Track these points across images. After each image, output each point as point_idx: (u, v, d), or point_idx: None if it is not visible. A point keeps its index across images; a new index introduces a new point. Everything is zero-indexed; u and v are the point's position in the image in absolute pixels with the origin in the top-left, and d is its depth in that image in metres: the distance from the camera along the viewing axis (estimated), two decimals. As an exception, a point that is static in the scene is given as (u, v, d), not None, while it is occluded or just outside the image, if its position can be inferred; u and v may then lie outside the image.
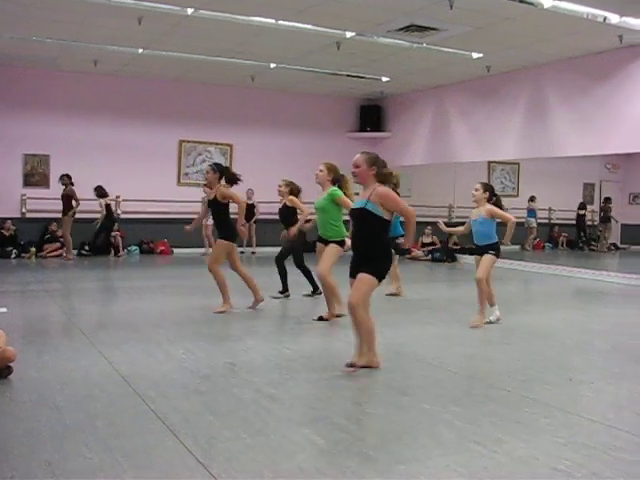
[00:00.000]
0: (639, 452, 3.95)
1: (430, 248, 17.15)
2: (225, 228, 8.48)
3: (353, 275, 5.66)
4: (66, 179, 14.82)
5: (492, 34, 11.90)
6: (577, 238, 20.76)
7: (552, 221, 20.46)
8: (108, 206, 15.65)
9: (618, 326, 8.28)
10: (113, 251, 15.99)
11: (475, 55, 13.49)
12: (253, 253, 16.89)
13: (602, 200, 20.99)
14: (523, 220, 18.59)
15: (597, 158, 18.36)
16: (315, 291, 9.72)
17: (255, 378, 5.35)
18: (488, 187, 8.14)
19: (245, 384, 5.18)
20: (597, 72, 13.11)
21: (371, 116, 18.90)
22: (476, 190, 7.96)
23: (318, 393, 5.02)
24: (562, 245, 20.97)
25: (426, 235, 17.37)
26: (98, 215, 15.73)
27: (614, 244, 21.20)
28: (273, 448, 3.87)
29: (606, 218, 20.57)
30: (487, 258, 7.86)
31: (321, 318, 7.91)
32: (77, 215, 15.05)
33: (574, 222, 20.68)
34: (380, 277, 5.58)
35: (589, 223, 21.12)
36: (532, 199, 19.49)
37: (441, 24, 11.40)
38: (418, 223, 18.57)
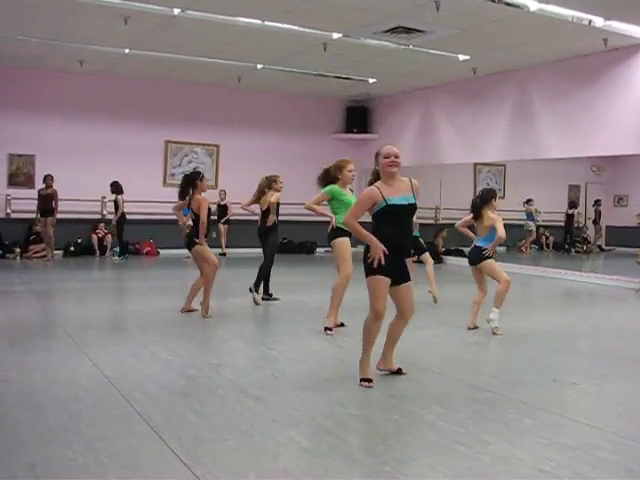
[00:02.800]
0: (623, 453, 3.97)
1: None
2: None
3: (399, 282, 5.38)
4: (50, 180, 14.72)
5: (478, 36, 11.94)
6: (564, 239, 20.83)
7: (537, 223, 20.53)
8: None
9: (603, 328, 8.33)
10: (99, 251, 15.95)
11: (461, 57, 13.53)
12: (223, 254, 16.75)
13: (593, 202, 21.09)
14: (510, 222, 18.64)
15: (582, 160, 18.45)
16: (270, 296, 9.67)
17: (240, 379, 5.34)
18: None
19: (230, 385, 5.17)
20: (582, 75, 13.18)
21: (357, 117, 18.93)
22: None
23: (303, 394, 5.02)
24: (547, 247, 21.06)
25: (411, 236, 17.36)
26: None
27: (600, 246, 21.33)
28: (258, 449, 3.87)
29: (595, 220, 20.73)
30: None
31: (342, 324, 7.58)
32: (62, 215, 14.96)
33: (560, 224, 20.75)
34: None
35: (575, 225, 21.21)
36: (528, 202, 19.49)
37: (428, 26, 11.43)
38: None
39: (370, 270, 5.21)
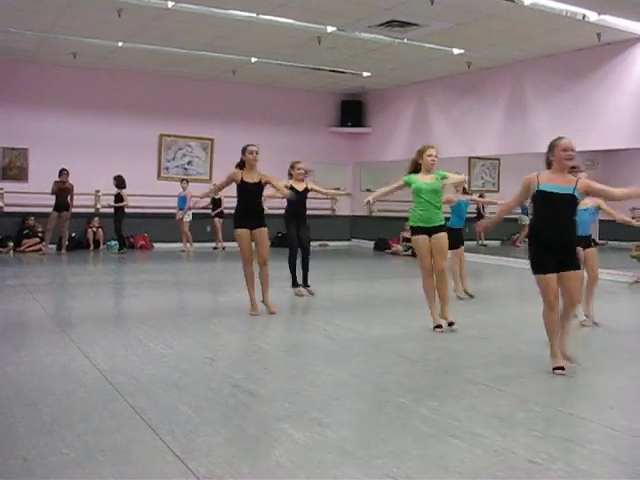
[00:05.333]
0: (614, 445, 3.99)
1: (410, 244, 17.15)
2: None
3: (557, 269, 5.36)
4: (65, 175, 14.69)
5: (473, 30, 11.93)
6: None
7: (530, 217, 20.54)
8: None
9: (596, 321, 8.35)
10: (93, 245, 15.93)
11: (456, 51, 13.53)
12: (216, 249, 16.75)
13: None
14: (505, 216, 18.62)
15: (577, 154, 18.42)
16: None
17: (234, 373, 5.35)
18: None
19: (224, 379, 5.18)
20: (576, 69, 13.19)
21: (352, 111, 18.92)
22: None
23: (296, 388, 5.03)
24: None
25: (406, 231, 17.36)
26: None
27: (593, 240, 21.32)
28: (251, 443, 3.87)
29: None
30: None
31: (452, 323, 7.26)
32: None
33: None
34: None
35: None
36: None
37: (422, 20, 11.41)
38: (399, 219, 18.52)
39: (533, 269, 5.43)
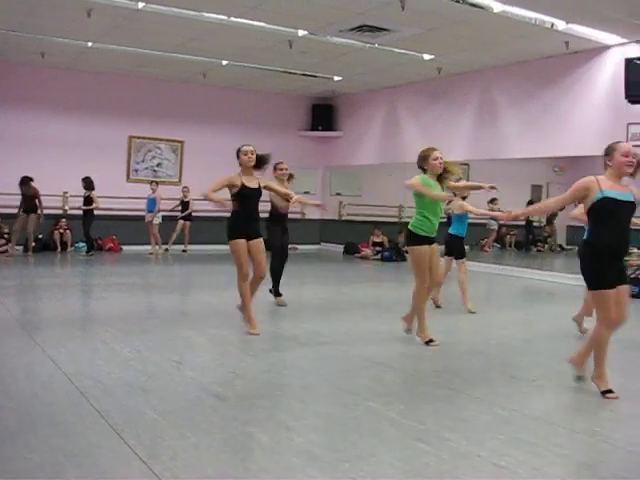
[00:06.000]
0: (578, 448, 4.04)
1: (380, 248, 17.22)
2: None
3: (616, 284, 4.99)
4: (29, 181, 14.52)
5: (443, 36, 12.02)
6: (526, 238, 21.08)
7: (500, 222, 20.71)
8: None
9: (562, 325, 8.43)
10: (60, 247, 15.76)
11: (426, 56, 13.61)
12: (184, 251, 16.68)
13: None
14: (474, 221, 18.77)
15: (545, 160, 18.68)
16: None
17: (201, 377, 5.32)
18: None
19: (191, 382, 5.15)
20: (545, 77, 13.34)
21: (323, 115, 18.94)
22: None
23: (264, 392, 5.01)
24: (510, 245, 21.28)
25: (376, 235, 17.45)
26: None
27: (560, 245, 21.62)
28: (218, 447, 3.86)
29: (550, 220, 21.03)
30: None
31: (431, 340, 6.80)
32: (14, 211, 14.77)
33: (522, 223, 20.99)
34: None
35: (536, 224, 21.47)
36: (492, 201, 19.66)
37: (393, 25, 11.47)
38: (368, 222, 18.58)
39: (594, 283, 5.01)
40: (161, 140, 17.47)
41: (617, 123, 11.99)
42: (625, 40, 11.90)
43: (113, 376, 5.25)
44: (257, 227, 7.21)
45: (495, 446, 3.97)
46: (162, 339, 6.75)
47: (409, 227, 6.90)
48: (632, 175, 5.02)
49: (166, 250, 16.35)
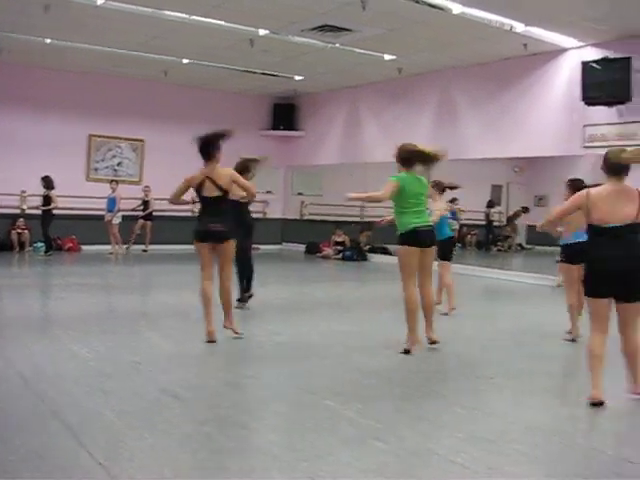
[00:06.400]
0: (534, 444, 4.09)
1: (341, 248, 17.26)
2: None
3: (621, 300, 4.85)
4: None
5: (403, 37, 12.10)
6: (486, 238, 21.31)
7: (461, 221, 20.93)
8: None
9: (521, 324, 8.55)
10: (18, 247, 15.53)
11: (387, 57, 13.69)
12: (145, 251, 16.55)
13: (522, 207, 21.54)
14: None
15: (505, 161, 18.87)
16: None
17: (160, 377, 5.29)
18: None
19: (150, 383, 5.12)
20: (504, 78, 13.50)
21: (284, 115, 18.92)
22: None
23: (223, 391, 5.01)
24: (471, 245, 21.48)
25: (337, 235, 17.49)
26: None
27: (520, 244, 21.89)
28: (175, 447, 3.84)
29: (510, 220, 21.31)
30: None
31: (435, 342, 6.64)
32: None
33: (483, 222, 21.21)
34: None
35: (497, 224, 21.71)
36: (453, 201, 19.82)
37: (354, 25, 11.52)
38: (330, 222, 18.55)
39: (586, 292, 4.94)
40: (121, 139, 17.31)
41: (574, 125, 12.19)
42: (582, 43, 12.10)
43: (71, 376, 5.20)
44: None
45: (452, 443, 4.02)
46: (122, 339, 6.69)
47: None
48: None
49: (127, 249, 16.22)
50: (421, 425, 4.37)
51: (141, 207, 16.53)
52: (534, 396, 5.18)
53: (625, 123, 11.49)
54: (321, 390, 5.10)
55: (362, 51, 13.22)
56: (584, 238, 5.32)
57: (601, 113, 11.67)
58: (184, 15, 11.26)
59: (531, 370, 6.04)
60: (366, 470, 3.59)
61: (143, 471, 3.47)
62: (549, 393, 5.31)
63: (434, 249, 6.73)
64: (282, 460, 3.70)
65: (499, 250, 21.02)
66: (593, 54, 11.89)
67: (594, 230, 4.88)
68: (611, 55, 11.51)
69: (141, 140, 17.48)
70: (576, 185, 6.68)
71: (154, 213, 16.50)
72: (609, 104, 11.46)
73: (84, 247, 16.41)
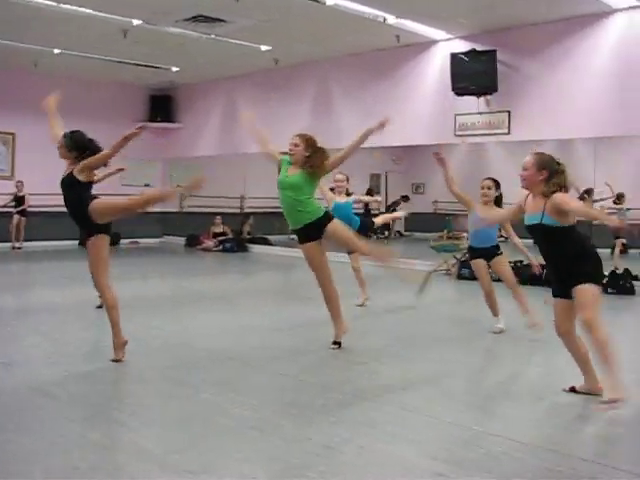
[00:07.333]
0: (405, 425, 4.24)
1: (221, 238, 17.18)
2: None
3: (561, 294, 4.81)
4: None
5: (279, 28, 12.14)
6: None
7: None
8: None
9: (396, 309, 8.81)
10: None
11: (263, 48, 13.69)
12: (19, 248, 15.96)
13: (401, 196, 22.05)
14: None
15: (383, 150, 19.25)
16: None
17: (33, 377, 5.15)
18: (498, 184, 7.28)
19: (22, 383, 4.97)
20: (378, 68, 13.76)
21: (162, 106, 18.59)
22: (489, 189, 7.17)
23: (96, 389, 4.94)
24: (350, 233, 21.81)
25: (216, 225, 17.40)
26: None
27: (399, 231, 22.45)
28: (47, 447, 3.76)
29: (390, 209, 21.85)
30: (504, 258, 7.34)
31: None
32: None
33: (361, 211, 21.59)
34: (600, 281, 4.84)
35: (375, 212, 22.13)
36: (332, 190, 20.04)
37: (228, 16, 11.46)
38: (210, 214, 18.36)
39: (601, 279, 4.93)
40: (-10, 132, 16.59)
41: (446, 114, 12.59)
42: (451, 36, 12.50)
43: None
44: None
45: (325, 428, 4.13)
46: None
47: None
48: (526, 188, 4.90)
49: (19, 248, 15.59)
50: (295, 412, 4.46)
51: (12, 203, 15.90)
52: (404, 379, 5.36)
53: (492, 112, 11.97)
54: (197, 382, 5.12)
55: (238, 42, 13.16)
56: None
57: (470, 103, 12.10)
58: (52, 3, 10.88)
59: (403, 355, 6.24)
60: (240, 460, 3.64)
61: (12, 476, 3.38)
62: (416, 374, 5.50)
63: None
64: (154, 454, 3.70)
65: (378, 238, 21.45)
66: (461, 46, 12.31)
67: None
68: (478, 48, 11.96)
69: (11, 133, 16.81)
70: None
71: (28, 209, 15.93)
72: (477, 94, 11.91)
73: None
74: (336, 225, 6.30)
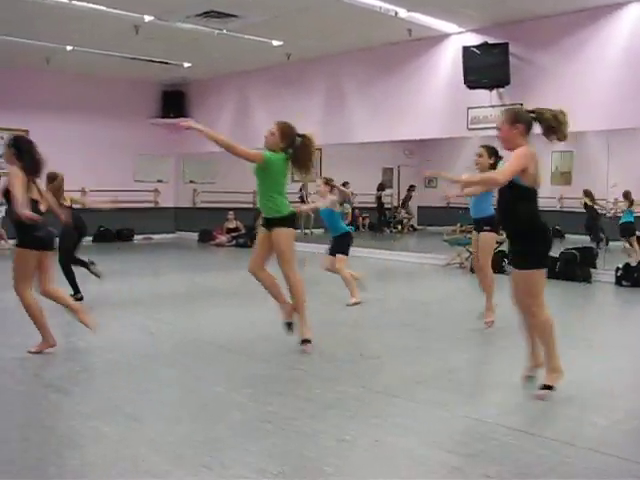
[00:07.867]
0: (417, 417, 4.24)
1: (235, 234, 17.19)
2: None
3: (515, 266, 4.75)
4: None
5: (290, 23, 12.11)
6: (378, 220, 21.71)
7: (354, 204, 21.21)
8: None
9: (410, 303, 8.79)
10: None
11: (275, 43, 13.66)
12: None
13: (408, 187, 22.08)
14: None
15: (396, 144, 19.22)
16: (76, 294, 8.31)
17: (46, 373, 5.19)
18: (493, 151, 6.87)
19: (35, 380, 5.02)
20: (390, 63, 13.71)
21: (174, 102, 18.61)
22: (480, 156, 6.83)
23: (111, 384, 4.96)
24: (363, 227, 21.82)
25: (229, 220, 17.41)
26: None
27: (412, 226, 22.42)
28: (60, 443, 3.80)
29: (404, 203, 21.85)
30: (487, 237, 6.89)
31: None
32: None
33: (374, 205, 21.59)
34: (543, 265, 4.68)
35: (388, 206, 22.13)
36: (345, 184, 20.05)
37: (240, 11, 11.44)
38: (223, 209, 18.35)
39: (540, 263, 4.69)
40: (3, 130, 16.61)
41: (458, 108, 12.52)
42: (462, 29, 12.43)
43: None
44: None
45: (339, 422, 4.13)
46: (4, 337, 6.49)
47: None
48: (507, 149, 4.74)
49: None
50: (309, 406, 4.45)
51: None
52: (418, 373, 5.35)
53: (505, 105, 11.89)
54: (210, 376, 5.15)
55: (250, 37, 13.15)
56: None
57: (482, 96, 12.04)
58: (65, 0, 10.90)
59: (416, 348, 6.24)
60: (255, 452, 3.65)
61: (26, 472, 3.41)
62: (430, 368, 5.49)
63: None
64: (169, 449, 3.72)
65: (390, 232, 21.43)
66: (473, 39, 12.24)
67: None
68: (490, 41, 11.89)
69: (25, 130, 16.85)
70: None
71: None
72: (489, 87, 11.85)
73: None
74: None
